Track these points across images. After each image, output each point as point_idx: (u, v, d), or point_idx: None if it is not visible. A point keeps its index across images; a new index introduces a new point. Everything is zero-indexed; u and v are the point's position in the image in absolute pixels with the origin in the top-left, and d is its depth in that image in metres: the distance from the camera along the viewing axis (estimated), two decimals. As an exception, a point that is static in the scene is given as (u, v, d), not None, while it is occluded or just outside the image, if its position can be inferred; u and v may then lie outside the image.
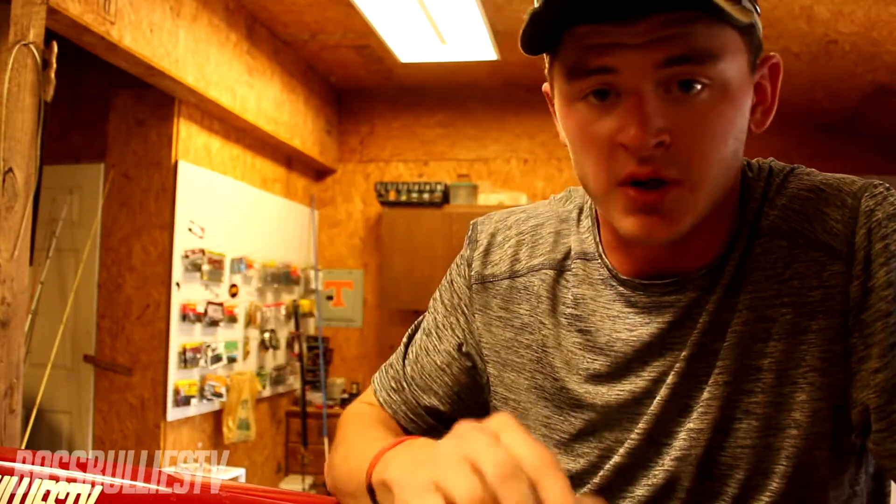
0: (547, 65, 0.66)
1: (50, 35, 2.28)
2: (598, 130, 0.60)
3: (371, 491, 0.59)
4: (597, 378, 0.68)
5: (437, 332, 0.81)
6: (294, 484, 4.69)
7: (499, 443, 0.42)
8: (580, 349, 0.69)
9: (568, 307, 0.71)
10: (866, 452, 0.64)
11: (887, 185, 0.63)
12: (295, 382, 4.96)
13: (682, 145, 0.58)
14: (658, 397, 0.65)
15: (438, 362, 0.80)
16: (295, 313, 4.85)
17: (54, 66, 2.18)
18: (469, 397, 0.79)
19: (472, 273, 0.79)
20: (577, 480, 0.69)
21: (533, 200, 4.95)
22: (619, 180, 0.60)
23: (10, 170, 2.06)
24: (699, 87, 0.57)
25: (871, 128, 4.73)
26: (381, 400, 0.83)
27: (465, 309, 0.79)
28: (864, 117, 4.54)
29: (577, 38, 0.58)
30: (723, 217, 0.65)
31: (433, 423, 0.81)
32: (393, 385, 0.83)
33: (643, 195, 0.59)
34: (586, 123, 0.60)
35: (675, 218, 0.60)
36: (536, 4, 0.57)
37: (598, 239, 0.72)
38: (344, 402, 5.03)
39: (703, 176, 0.59)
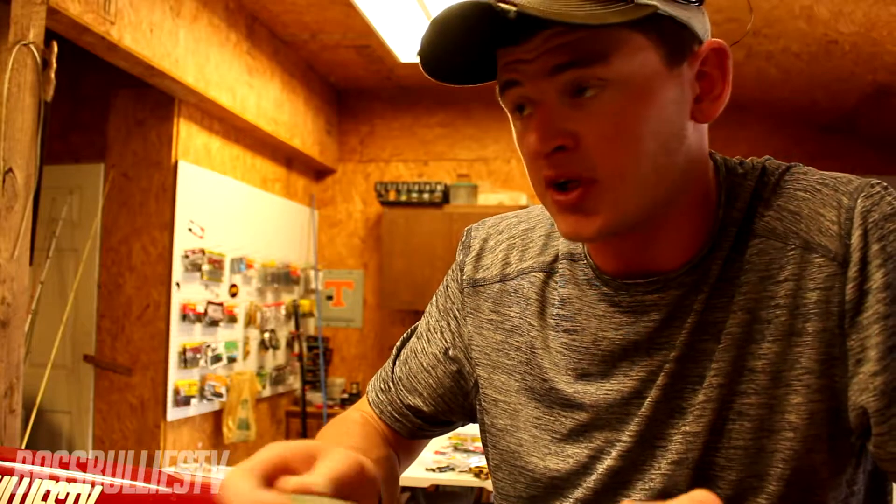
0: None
1: (50, 35, 2.28)
2: (524, 141, 0.64)
3: None
4: (585, 377, 0.68)
5: (427, 335, 0.83)
6: (294, 484, 4.68)
7: None
8: (567, 349, 0.70)
9: (556, 308, 0.72)
10: (865, 451, 0.63)
11: (885, 184, 0.63)
12: (295, 382, 4.96)
13: (589, 146, 0.60)
14: (648, 398, 0.64)
15: (424, 364, 0.82)
16: (295, 313, 4.85)
17: (54, 66, 2.18)
18: (452, 401, 0.80)
19: (464, 277, 0.80)
20: (566, 481, 0.69)
21: (533, 200, 4.95)
22: (543, 184, 0.64)
23: (10, 170, 2.06)
24: (592, 91, 0.60)
25: (870, 128, 4.73)
26: (370, 400, 0.85)
27: (456, 313, 0.81)
28: (863, 117, 4.54)
29: (499, 59, 0.64)
30: (696, 212, 0.65)
31: (419, 423, 0.82)
32: (382, 386, 0.85)
33: (561, 195, 0.62)
34: (518, 137, 0.66)
35: (599, 215, 0.61)
36: (418, 50, 0.63)
37: None
38: (344, 402, 5.03)
39: (619, 173, 0.61)
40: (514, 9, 0.56)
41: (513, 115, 0.66)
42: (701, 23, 0.63)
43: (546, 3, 0.57)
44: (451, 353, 0.80)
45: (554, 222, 0.77)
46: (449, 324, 0.81)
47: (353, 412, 0.86)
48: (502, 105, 0.67)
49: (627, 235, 0.65)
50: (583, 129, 0.60)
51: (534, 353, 0.72)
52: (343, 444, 0.64)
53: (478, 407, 0.79)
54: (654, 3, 0.58)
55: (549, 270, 0.74)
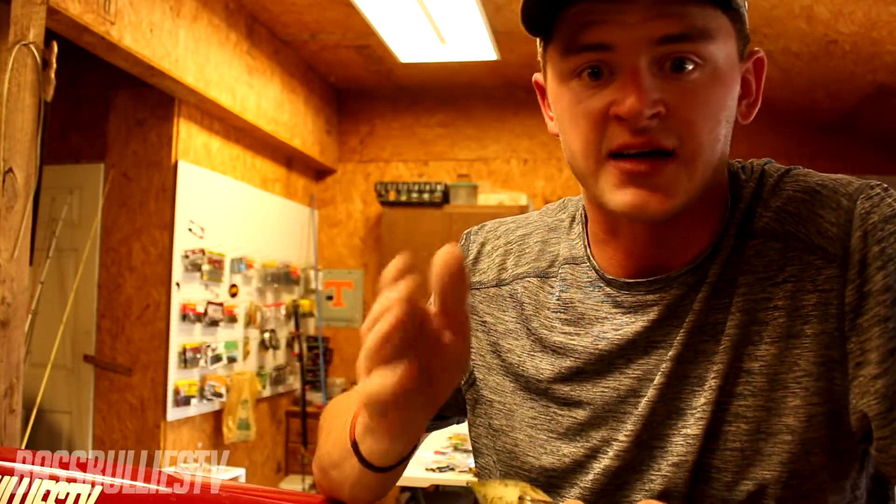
0: (540, 50, 0.67)
1: (50, 35, 2.28)
2: (591, 105, 0.61)
3: (356, 446, 0.60)
4: (582, 375, 0.68)
5: None
6: (294, 484, 4.69)
7: None
8: (565, 349, 0.70)
9: (553, 311, 0.72)
10: (867, 455, 0.63)
11: (885, 185, 0.62)
12: (295, 382, 4.96)
13: (677, 118, 0.59)
14: (645, 398, 0.64)
15: None
16: (295, 313, 4.85)
17: (54, 66, 2.18)
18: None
19: None
20: (562, 480, 0.69)
21: (533, 200, 4.95)
22: (610, 151, 0.60)
23: (10, 170, 2.06)
24: (691, 66, 0.59)
25: (871, 128, 4.73)
26: None
27: None
28: (864, 117, 4.54)
29: (572, 16, 0.60)
30: (708, 212, 0.66)
31: None
32: None
33: (636, 164, 0.60)
34: (578, 100, 0.62)
35: (670, 192, 0.60)
36: None
37: (586, 242, 0.73)
38: (344, 402, 5.02)
39: (697, 151, 0.60)
40: None
41: (575, 78, 0.61)
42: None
43: None
44: None
45: (552, 228, 0.77)
46: None
47: (355, 393, 0.86)
48: (557, 64, 0.63)
49: (647, 229, 0.65)
50: (674, 102, 0.59)
51: (531, 354, 0.72)
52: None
53: (468, 405, 0.79)
54: None
55: (544, 275, 0.74)
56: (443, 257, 0.49)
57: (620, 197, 0.61)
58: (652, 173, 0.59)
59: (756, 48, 0.67)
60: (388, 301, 0.50)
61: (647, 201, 0.60)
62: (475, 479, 0.55)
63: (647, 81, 0.58)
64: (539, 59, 0.68)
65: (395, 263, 0.50)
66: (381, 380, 0.50)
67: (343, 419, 0.68)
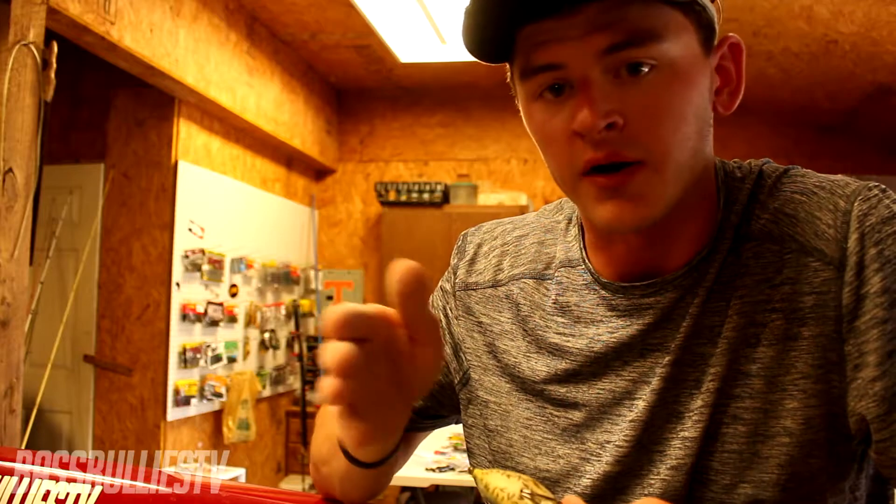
0: (509, 73, 0.67)
1: (50, 35, 2.28)
2: (554, 125, 0.61)
3: (342, 442, 0.62)
4: (577, 377, 0.68)
5: None
6: (294, 484, 4.68)
7: None
8: (560, 351, 0.70)
9: (549, 313, 0.72)
10: (867, 457, 0.62)
11: (883, 187, 0.62)
12: (295, 382, 4.96)
13: (637, 126, 0.58)
14: (643, 402, 0.64)
15: None
16: (295, 313, 4.85)
17: (54, 66, 2.18)
18: (442, 395, 0.81)
19: (458, 280, 0.81)
20: (557, 483, 0.68)
21: (533, 200, 4.95)
22: (580, 170, 0.60)
23: (10, 170, 2.06)
24: (647, 68, 0.58)
25: (871, 128, 4.73)
26: None
27: (448, 312, 0.81)
28: (864, 117, 4.54)
29: (524, 39, 0.60)
30: (700, 214, 0.65)
31: (411, 416, 0.82)
32: None
33: (608, 179, 0.59)
34: (544, 121, 0.62)
35: (645, 200, 0.60)
36: (465, 9, 0.60)
37: (582, 245, 0.73)
38: (344, 402, 5.02)
39: (666, 155, 0.59)
40: None
41: (538, 99, 0.62)
42: (718, 17, 0.64)
43: None
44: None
45: (548, 230, 0.78)
46: (440, 321, 0.82)
47: None
48: (520, 88, 0.64)
49: (639, 234, 0.64)
50: (631, 108, 0.58)
51: (527, 356, 0.72)
52: None
53: (461, 405, 0.79)
54: None
55: (541, 277, 0.75)
56: (398, 273, 0.49)
57: (599, 212, 0.61)
58: (622, 183, 0.59)
59: (731, 33, 0.65)
60: (335, 352, 0.49)
61: (623, 213, 0.60)
62: (479, 468, 0.55)
63: (599, 92, 0.58)
64: (509, 82, 0.68)
65: (334, 318, 0.48)
66: (332, 390, 0.50)
67: (334, 415, 0.69)
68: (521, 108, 0.66)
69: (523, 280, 0.76)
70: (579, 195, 0.63)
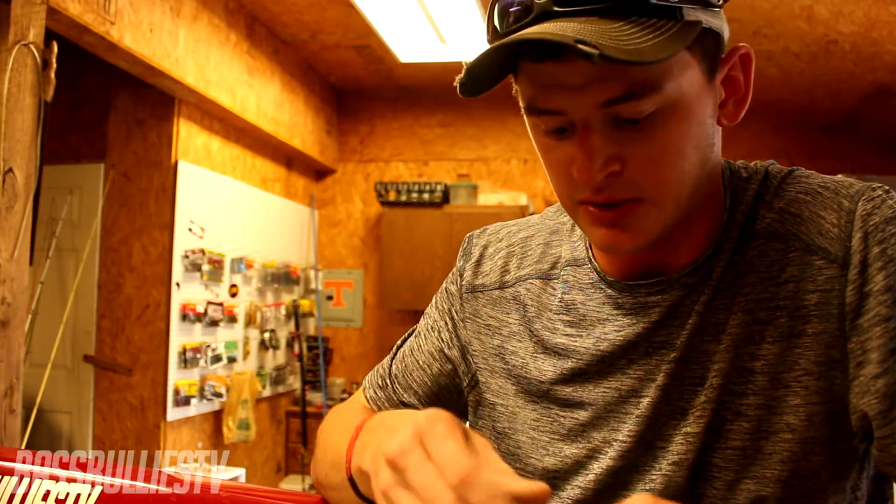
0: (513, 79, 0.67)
1: (50, 35, 2.28)
2: (557, 156, 0.62)
3: (352, 481, 0.61)
4: (583, 376, 0.68)
5: (424, 334, 0.84)
6: (294, 484, 4.68)
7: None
8: (566, 351, 0.70)
9: (555, 313, 0.72)
10: (868, 456, 0.63)
11: (886, 187, 0.63)
12: (295, 382, 4.96)
13: (636, 169, 0.59)
14: (648, 398, 0.64)
15: (420, 361, 0.82)
16: (295, 313, 4.85)
17: (54, 66, 2.18)
18: (447, 398, 0.81)
19: (464, 282, 0.81)
20: (564, 482, 0.69)
21: (533, 200, 4.95)
22: (578, 201, 0.62)
23: (10, 170, 2.06)
24: (645, 116, 0.58)
25: (871, 128, 4.73)
26: (367, 396, 0.86)
27: (454, 314, 0.81)
28: (864, 117, 4.54)
29: (527, 72, 0.60)
30: (706, 214, 0.66)
31: None
32: (379, 382, 0.86)
33: (602, 213, 0.61)
34: (547, 148, 0.63)
35: (640, 230, 0.61)
36: (466, 63, 0.59)
37: (587, 244, 0.73)
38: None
39: (663, 193, 0.60)
40: (596, 52, 0.50)
41: (543, 134, 0.63)
42: (726, 27, 0.63)
43: (606, 37, 0.52)
44: (446, 351, 0.81)
45: (554, 231, 0.78)
46: (447, 324, 0.82)
47: (354, 403, 0.87)
48: (529, 120, 0.64)
49: None
50: (630, 152, 0.58)
51: (534, 357, 0.72)
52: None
53: (470, 407, 0.79)
54: (699, 16, 0.57)
55: (547, 277, 0.75)
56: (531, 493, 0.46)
57: (594, 235, 0.63)
58: (617, 218, 0.61)
59: (741, 44, 0.64)
60: None
61: (618, 240, 0.62)
62: None
63: (598, 141, 0.58)
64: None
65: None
66: None
67: (341, 436, 0.68)
68: (522, 112, 0.66)
69: (530, 281, 0.76)
70: (577, 216, 0.65)
